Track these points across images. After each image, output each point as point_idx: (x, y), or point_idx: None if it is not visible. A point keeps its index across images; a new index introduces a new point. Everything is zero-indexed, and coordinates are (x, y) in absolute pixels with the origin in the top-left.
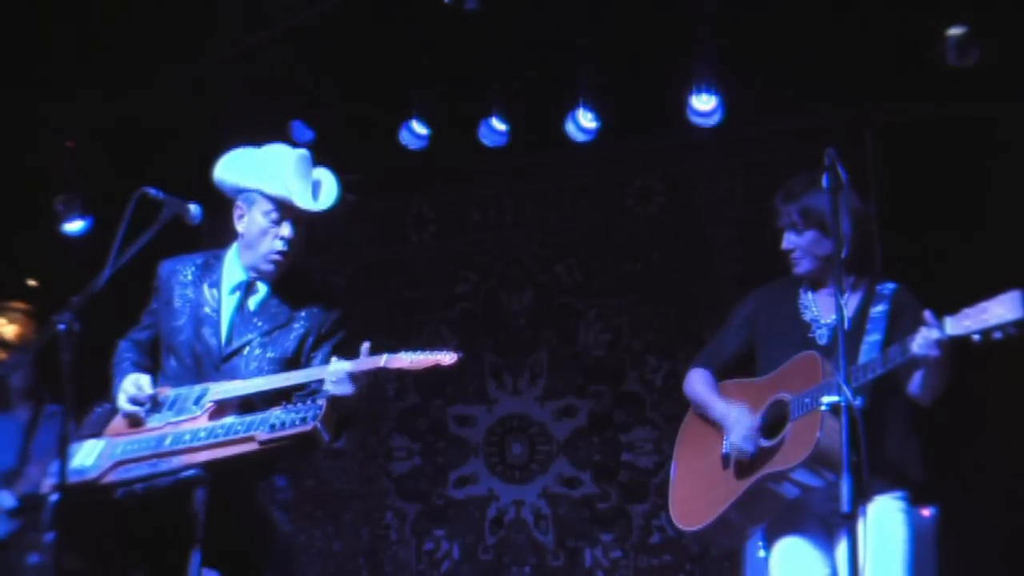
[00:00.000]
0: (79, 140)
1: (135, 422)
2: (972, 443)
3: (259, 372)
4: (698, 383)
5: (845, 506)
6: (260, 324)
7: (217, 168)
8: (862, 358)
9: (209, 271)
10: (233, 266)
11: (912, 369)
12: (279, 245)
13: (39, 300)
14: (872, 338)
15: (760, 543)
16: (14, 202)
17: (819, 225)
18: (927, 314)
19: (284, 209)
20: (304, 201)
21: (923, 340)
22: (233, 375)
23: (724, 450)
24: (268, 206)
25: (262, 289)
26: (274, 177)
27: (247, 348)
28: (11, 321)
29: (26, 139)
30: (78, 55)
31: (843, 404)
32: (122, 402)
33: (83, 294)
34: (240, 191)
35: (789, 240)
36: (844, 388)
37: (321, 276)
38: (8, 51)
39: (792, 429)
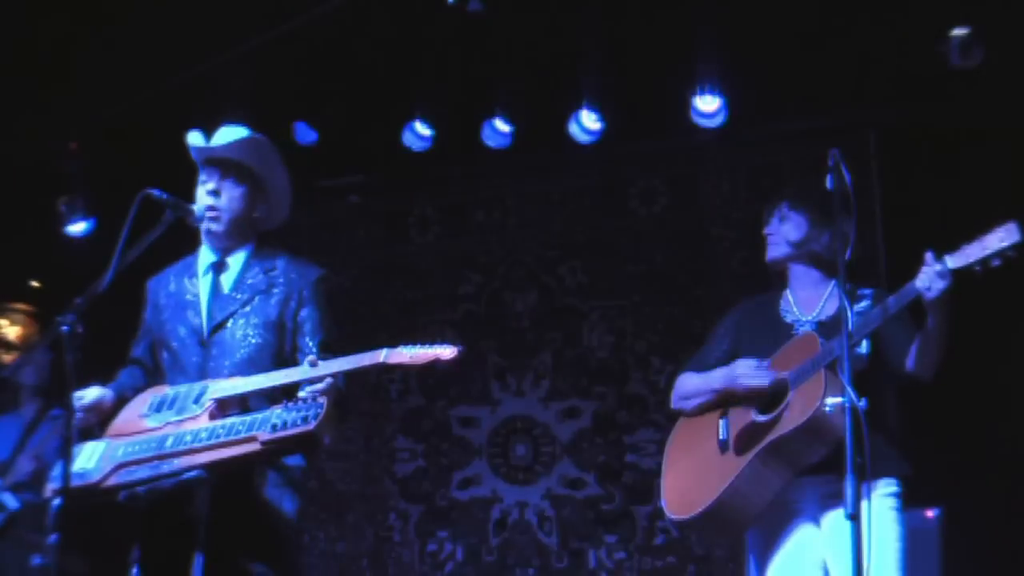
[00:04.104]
0: (82, 141)
1: (135, 424)
2: (977, 444)
3: (245, 339)
4: (691, 376)
5: (849, 507)
6: (239, 297)
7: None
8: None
9: (187, 267)
10: (204, 250)
11: (908, 341)
12: (209, 200)
13: (42, 301)
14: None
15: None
16: (17, 203)
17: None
18: (928, 254)
19: (203, 165)
20: (199, 140)
21: (925, 275)
22: (221, 347)
23: (722, 436)
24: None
25: (234, 264)
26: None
27: (230, 320)
28: (14, 322)
29: (29, 139)
30: (81, 54)
31: (847, 405)
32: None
33: (86, 296)
34: None
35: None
36: (848, 390)
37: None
38: (10, 50)
39: (794, 396)
